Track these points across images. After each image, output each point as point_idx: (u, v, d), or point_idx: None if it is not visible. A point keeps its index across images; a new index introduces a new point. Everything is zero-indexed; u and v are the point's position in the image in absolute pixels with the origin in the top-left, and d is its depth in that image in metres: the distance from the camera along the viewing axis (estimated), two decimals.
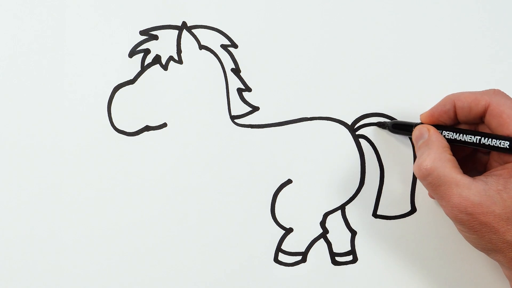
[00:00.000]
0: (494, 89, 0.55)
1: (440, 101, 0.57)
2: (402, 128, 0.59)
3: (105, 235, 0.60)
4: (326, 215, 0.61)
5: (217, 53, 0.61)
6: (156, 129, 0.61)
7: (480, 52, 0.61)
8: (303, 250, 0.61)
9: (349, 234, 0.61)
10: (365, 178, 0.61)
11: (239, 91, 0.61)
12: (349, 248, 0.61)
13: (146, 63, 0.61)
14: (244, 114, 0.61)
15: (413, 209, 0.61)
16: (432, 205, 0.60)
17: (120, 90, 0.61)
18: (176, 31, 0.61)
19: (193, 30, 0.61)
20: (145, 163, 0.60)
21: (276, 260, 0.61)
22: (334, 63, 0.61)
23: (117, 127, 0.60)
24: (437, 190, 0.52)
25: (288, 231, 0.61)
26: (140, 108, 0.61)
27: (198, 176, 0.61)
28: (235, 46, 0.61)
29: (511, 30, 0.62)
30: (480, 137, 0.54)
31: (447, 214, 0.52)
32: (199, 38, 0.61)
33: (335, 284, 0.61)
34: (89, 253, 0.60)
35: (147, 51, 0.61)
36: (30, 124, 0.60)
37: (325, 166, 0.61)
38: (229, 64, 0.61)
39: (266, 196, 0.61)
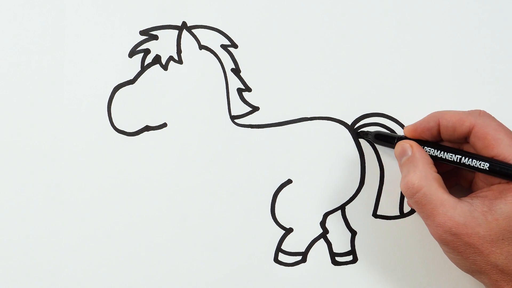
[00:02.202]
0: (480, 110, 0.55)
1: (425, 117, 0.57)
2: (385, 140, 0.59)
3: (105, 235, 0.60)
4: (326, 215, 0.61)
5: (217, 53, 0.61)
6: (156, 129, 0.61)
7: (480, 52, 0.61)
8: (303, 250, 0.61)
9: (349, 234, 0.61)
10: (365, 178, 0.61)
11: (239, 91, 0.61)
12: (349, 248, 0.61)
13: (146, 63, 0.61)
14: (244, 114, 0.61)
15: (413, 209, 0.61)
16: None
17: (120, 90, 0.61)
18: (176, 31, 0.61)
19: (193, 30, 0.61)
20: (145, 163, 0.60)
21: (276, 260, 0.61)
22: (334, 63, 0.61)
23: (117, 127, 0.60)
24: (423, 208, 0.52)
25: (288, 231, 0.61)
26: (140, 108, 0.61)
27: (198, 176, 0.61)
28: (235, 46, 0.61)
29: (511, 30, 0.62)
30: (461, 156, 0.54)
31: (432, 234, 0.52)
32: (199, 38, 0.61)
33: (335, 284, 0.61)
34: (89, 253, 0.60)
35: (147, 51, 0.61)
36: (30, 124, 0.60)
37: (325, 166, 0.61)
38: (229, 64, 0.61)
39: (266, 196, 0.61)
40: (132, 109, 0.61)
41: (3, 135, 0.60)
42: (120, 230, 0.60)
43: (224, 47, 0.61)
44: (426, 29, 0.61)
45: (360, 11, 0.61)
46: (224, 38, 0.61)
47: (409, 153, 0.55)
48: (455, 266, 0.54)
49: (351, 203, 0.61)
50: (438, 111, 0.56)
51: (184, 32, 0.61)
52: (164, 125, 0.61)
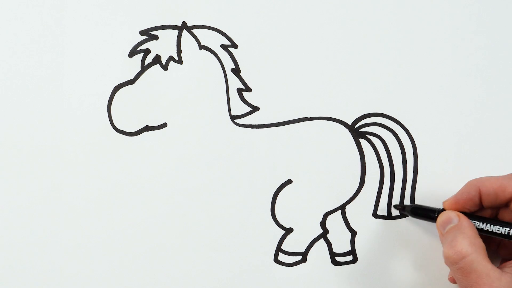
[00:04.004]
0: None
1: (464, 187, 0.56)
2: (423, 214, 0.58)
3: (105, 235, 0.60)
4: (326, 215, 0.61)
5: (217, 53, 0.61)
6: (156, 129, 0.61)
7: (479, 53, 0.61)
8: (303, 250, 0.61)
9: (349, 234, 0.61)
10: (365, 178, 0.61)
11: (239, 91, 0.61)
12: (349, 248, 0.61)
13: (146, 63, 0.61)
14: (244, 114, 0.61)
15: None
16: (432, 205, 0.60)
17: (120, 90, 0.61)
18: (176, 31, 0.61)
19: (193, 30, 0.61)
20: (145, 163, 0.60)
21: (276, 260, 0.61)
22: (334, 63, 0.61)
23: (117, 127, 0.60)
24: (467, 277, 0.51)
25: (288, 231, 0.61)
26: (140, 108, 0.61)
27: (198, 176, 0.61)
28: (235, 46, 0.61)
29: (510, 31, 0.62)
30: (509, 229, 0.54)
31: None
32: (199, 38, 0.61)
33: (335, 284, 0.61)
34: (90, 253, 0.60)
35: (147, 51, 0.61)
36: (30, 124, 0.60)
37: (325, 166, 0.61)
38: (229, 64, 0.61)
39: (266, 196, 0.61)
40: (132, 109, 0.61)
41: (3, 135, 0.60)
42: (120, 230, 0.60)
43: (224, 47, 0.61)
44: (426, 29, 0.61)
45: (360, 12, 0.61)
46: (224, 38, 0.61)
47: (455, 221, 0.54)
48: None
49: (351, 203, 0.61)
50: (475, 179, 0.56)
51: (184, 32, 0.61)
52: (164, 125, 0.61)
